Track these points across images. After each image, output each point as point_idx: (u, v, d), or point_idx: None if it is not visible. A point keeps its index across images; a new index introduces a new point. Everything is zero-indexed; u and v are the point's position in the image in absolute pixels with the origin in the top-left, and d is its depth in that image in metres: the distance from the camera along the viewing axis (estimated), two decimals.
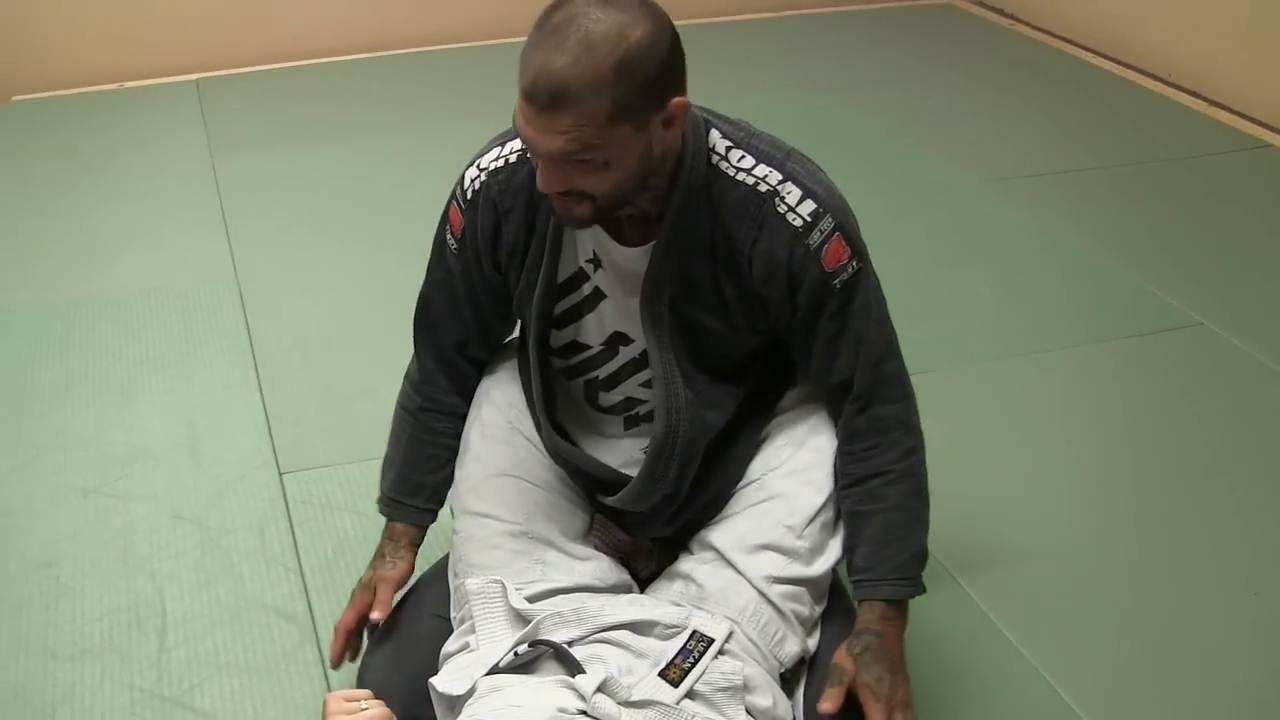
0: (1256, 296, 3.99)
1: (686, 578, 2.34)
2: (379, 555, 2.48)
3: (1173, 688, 2.61)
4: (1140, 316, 3.91)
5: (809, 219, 2.10)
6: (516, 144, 2.21)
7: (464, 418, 2.52)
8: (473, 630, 2.28)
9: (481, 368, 2.53)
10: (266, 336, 3.83)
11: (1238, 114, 5.35)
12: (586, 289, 2.23)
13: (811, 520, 2.31)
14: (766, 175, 2.10)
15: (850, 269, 2.15)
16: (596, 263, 2.21)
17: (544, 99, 1.87)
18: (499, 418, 2.48)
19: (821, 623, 2.35)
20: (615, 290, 2.22)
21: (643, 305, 2.18)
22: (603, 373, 2.32)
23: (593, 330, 2.27)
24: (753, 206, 2.10)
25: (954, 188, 4.76)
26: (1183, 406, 3.49)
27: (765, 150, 2.13)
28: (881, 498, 2.26)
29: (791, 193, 2.10)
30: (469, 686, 2.13)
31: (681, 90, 1.97)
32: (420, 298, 2.44)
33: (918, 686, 2.49)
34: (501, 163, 2.21)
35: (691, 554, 2.40)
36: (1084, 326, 3.87)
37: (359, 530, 3.01)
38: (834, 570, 2.36)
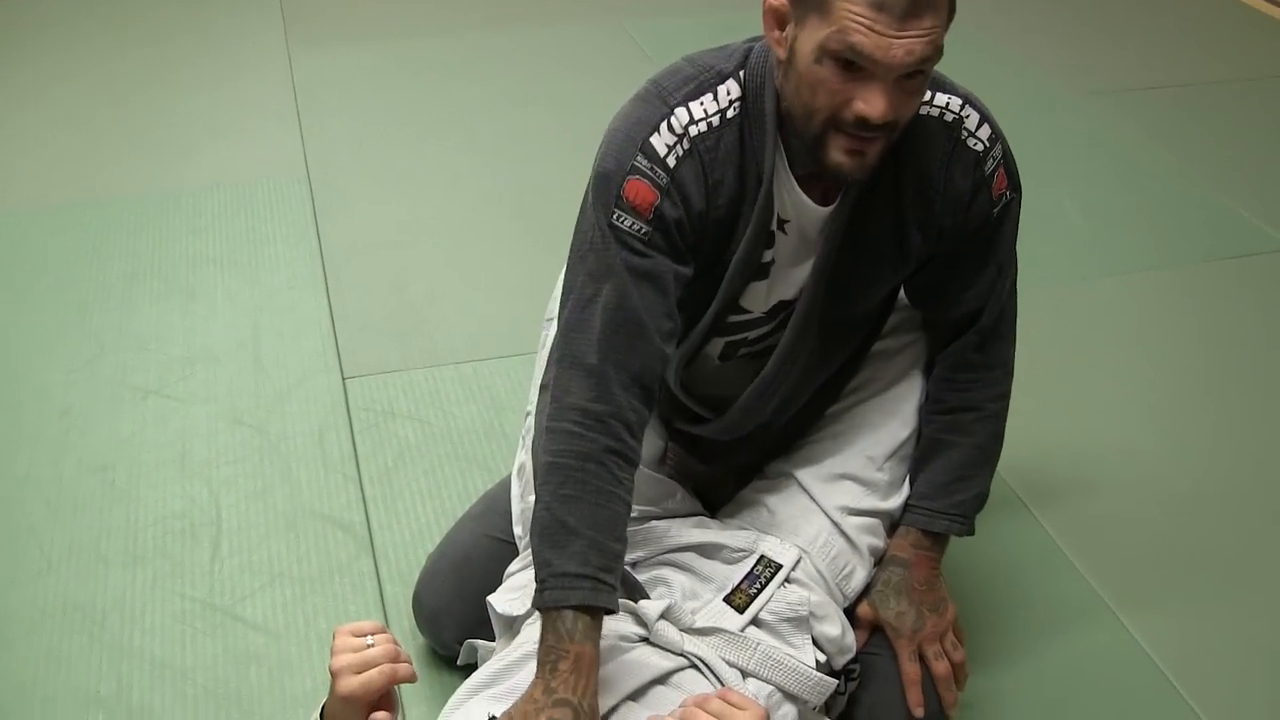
0: None
1: (758, 503, 2.27)
2: (556, 703, 1.81)
3: (1241, 624, 2.52)
4: (1229, 240, 3.76)
5: (986, 144, 2.03)
6: (708, 104, 1.95)
7: (636, 463, 2.01)
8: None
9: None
10: (335, 237, 3.75)
11: None
12: (767, 256, 2.06)
13: (894, 453, 2.24)
14: (949, 103, 2.02)
15: (1005, 198, 2.09)
16: (780, 227, 2.05)
17: (907, 5, 1.73)
18: None
19: None
20: (789, 256, 2.07)
21: (822, 257, 2.03)
22: (753, 334, 2.18)
23: (759, 298, 2.12)
24: (943, 135, 2.01)
25: (1051, 101, 4.59)
26: (1267, 333, 3.35)
27: (938, 78, 2.03)
28: (967, 432, 2.21)
29: (971, 116, 2.03)
30: (527, 607, 2.06)
31: None
32: (595, 320, 1.92)
33: (980, 614, 2.42)
34: (705, 127, 1.95)
35: (766, 478, 2.32)
36: (1171, 249, 3.73)
37: (421, 439, 2.93)
38: None
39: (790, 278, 2.08)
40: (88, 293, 3.49)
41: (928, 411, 2.25)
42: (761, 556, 2.09)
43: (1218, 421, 3.03)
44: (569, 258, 1.98)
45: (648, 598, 2.02)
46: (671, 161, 1.92)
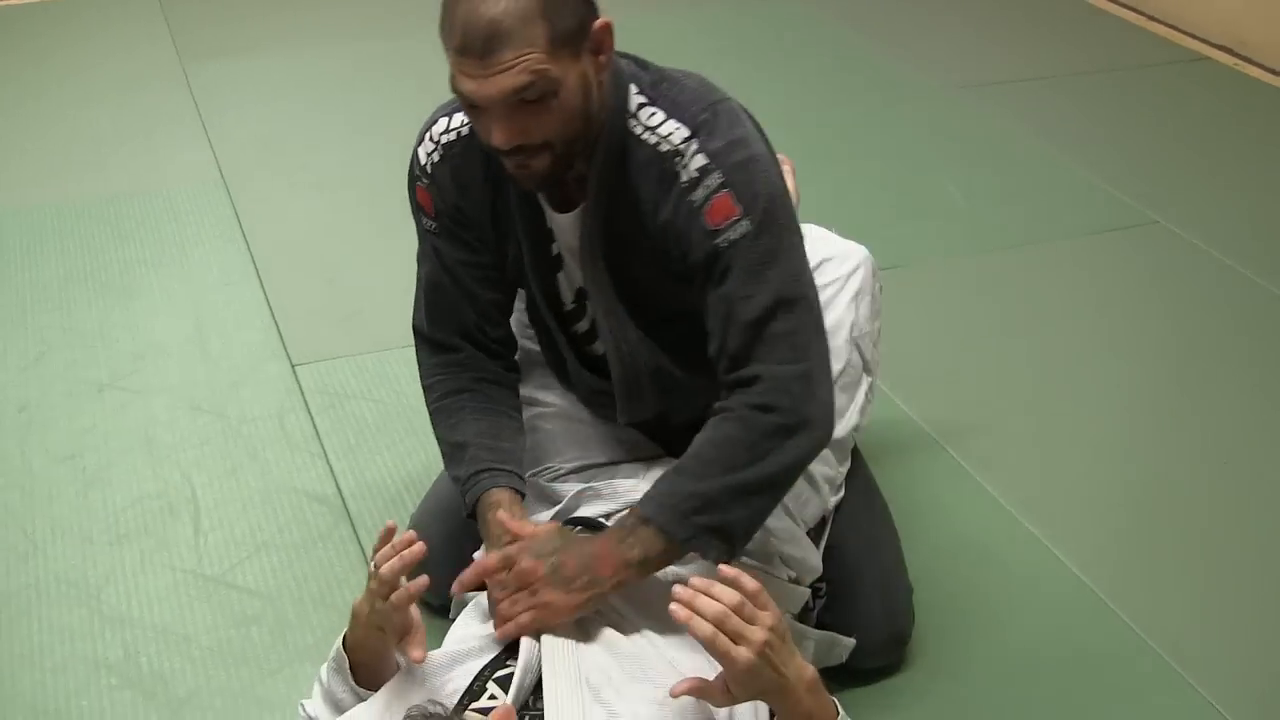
0: (1203, 197, 4.14)
1: None
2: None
3: (1155, 542, 2.77)
4: (1101, 215, 4.05)
5: (696, 174, 2.03)
6: (461, 116, 2.18)
7: (516, 390, 2.40)
8: None
9: (510, 339, 2.39)
10: (261, 235, 3.87)
11: (1174, 28, 5.48)
12: (555, 249, 2.24)
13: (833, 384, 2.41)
14: (671, 134, 2.05)
15: (738, 228, 2.03)
16: (548, 222, 2.21)
17: (481, 44, 1.86)
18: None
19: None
20: (568, 252, 2.23)
21: (582, 267, 2.19)
22: (582, 326, 2.35)
23: (565, 288, 2.29)
24: (655, 167, 2.06)
25: (920, 94, 4.87)
26: (1143, 294, 3.64)
27: (682, 104, 2.07)
28: (710, 430, 2.09)
29: (690, 149, 2.04)
30: None
31: (598, 13, 1.97)
32: (422, 296, 2.32)
33: (923, 554, 2.62)
34: (454, 135, 2.19)
35: None
36: (1049, 224, 4.00)
37: (379, 417, 3.08)
38: (854, 434, 2.50)
39: (579, 271, 2.23)
40: (24, 296, 3.58)
41: None
42: None
43: (1105, 370, 3.31)
44: None
45: None
46: (429, 167, 2.21)
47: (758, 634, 1.76)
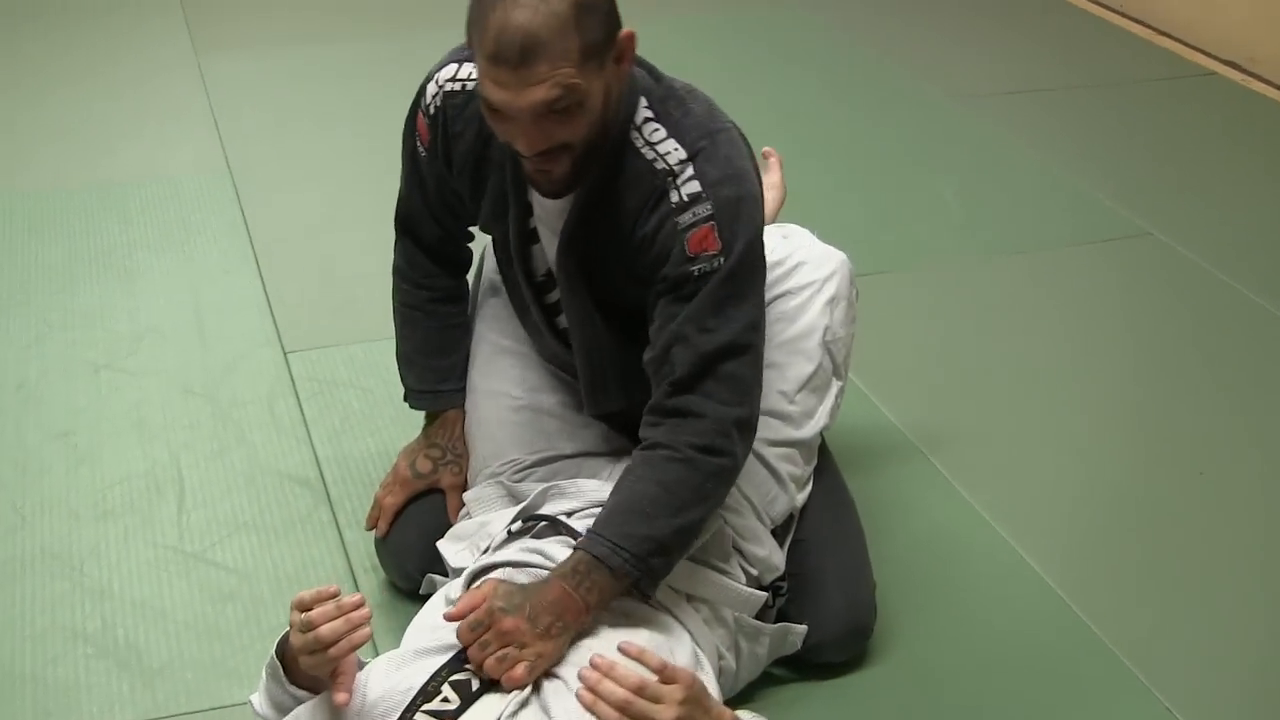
0: (1199, 211, 4.17)
1: None
2: (429, 445, 2.57)
3: (1122, 550, 2.81)
4: (1094, 225, 4.08)
5: (687, 199, 2.09)
6: (470, 69, 2.22)
7: (466, 297, 2.64)
8: (469, 515, 2.46)
9: (468, 250, 2.62)
10: (263, 225, 3.95)
11: (1183, 43, 5.51)
12: (532, 223, 2.31)
13: (803, 386, 2.47)
14: (669, 153, 2.12)
15: (714, 262, 2.10)
16: (530, 198, 2.28)
17: (515, 56, 1.90)
18: (497, 300, 2.62)
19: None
20: (545, 230, 2.30)
21: (557, 256, 2.26)
22: (553, 298, 2.40)
23: (539, 261, 2.36)
24: (646, 182, 2.12)
25: (920, 103, 4.91)
26: (1130, 304, 3.68)
27: (686, 126, 2.14)
28: (654, 468, 2.13)
29: (686, 173, 2.10)
30: (469, 561, 2.28)
31: (621, 23, 2.03)
32: (400, 198, 2.53)
33: (893, 556, 2.67)
34: (458, 86, 2.27)
35: None
36: (1042, 233, 4.04)
37: (365, 405, 3.15)
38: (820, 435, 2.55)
39: (552, 252, 2.30)
40: (28, 276, 3.67)
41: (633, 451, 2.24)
42: None
43: (1091, 380, 3.35)
44: None
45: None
46: (431, 109, 2.30)
47: (665, 713, 1.79)
